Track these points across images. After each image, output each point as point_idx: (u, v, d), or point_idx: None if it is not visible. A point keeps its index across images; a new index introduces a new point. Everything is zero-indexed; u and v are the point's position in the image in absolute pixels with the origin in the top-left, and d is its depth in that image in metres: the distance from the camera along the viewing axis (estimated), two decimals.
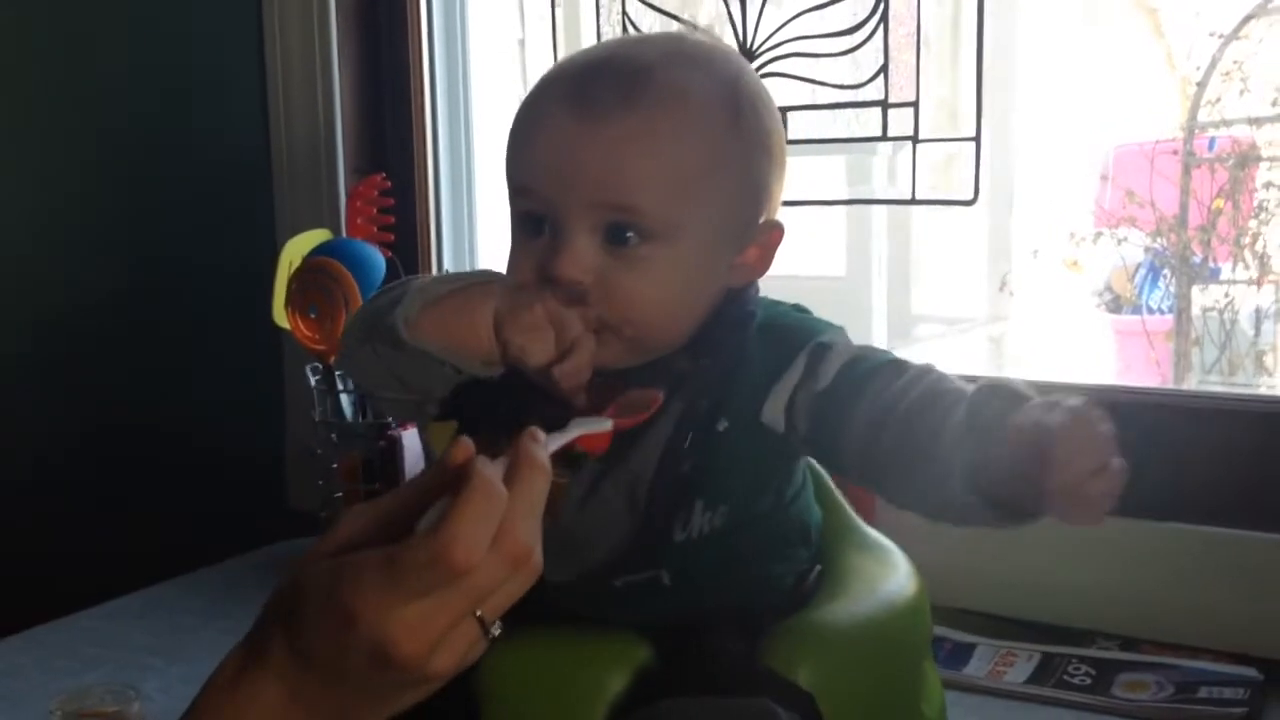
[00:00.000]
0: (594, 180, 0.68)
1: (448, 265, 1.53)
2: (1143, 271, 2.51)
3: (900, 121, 1.17)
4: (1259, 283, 2.04)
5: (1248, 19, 1.99)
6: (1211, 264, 2.16)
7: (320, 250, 1.30)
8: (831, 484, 0.85)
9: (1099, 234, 2.33)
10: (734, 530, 0.73)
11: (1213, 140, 2.16)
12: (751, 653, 0.71)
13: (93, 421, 1.73)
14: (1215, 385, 2.09)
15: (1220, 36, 2.04)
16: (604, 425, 0.64)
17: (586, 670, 0.71)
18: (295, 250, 1.32)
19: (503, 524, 0.53)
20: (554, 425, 0.72)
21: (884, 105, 1.18)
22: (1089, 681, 1.01)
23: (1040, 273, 2.62)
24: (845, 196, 1.95)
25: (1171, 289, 2.34)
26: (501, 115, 1.64)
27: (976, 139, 1.14)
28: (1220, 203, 2.09)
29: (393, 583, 0.51)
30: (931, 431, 0.64)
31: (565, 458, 0.73)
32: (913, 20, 1.15)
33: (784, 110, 1.14)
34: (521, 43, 1.84)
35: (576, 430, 0.63)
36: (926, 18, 1.17)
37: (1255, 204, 2.06)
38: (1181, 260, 2.19)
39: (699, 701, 0.68)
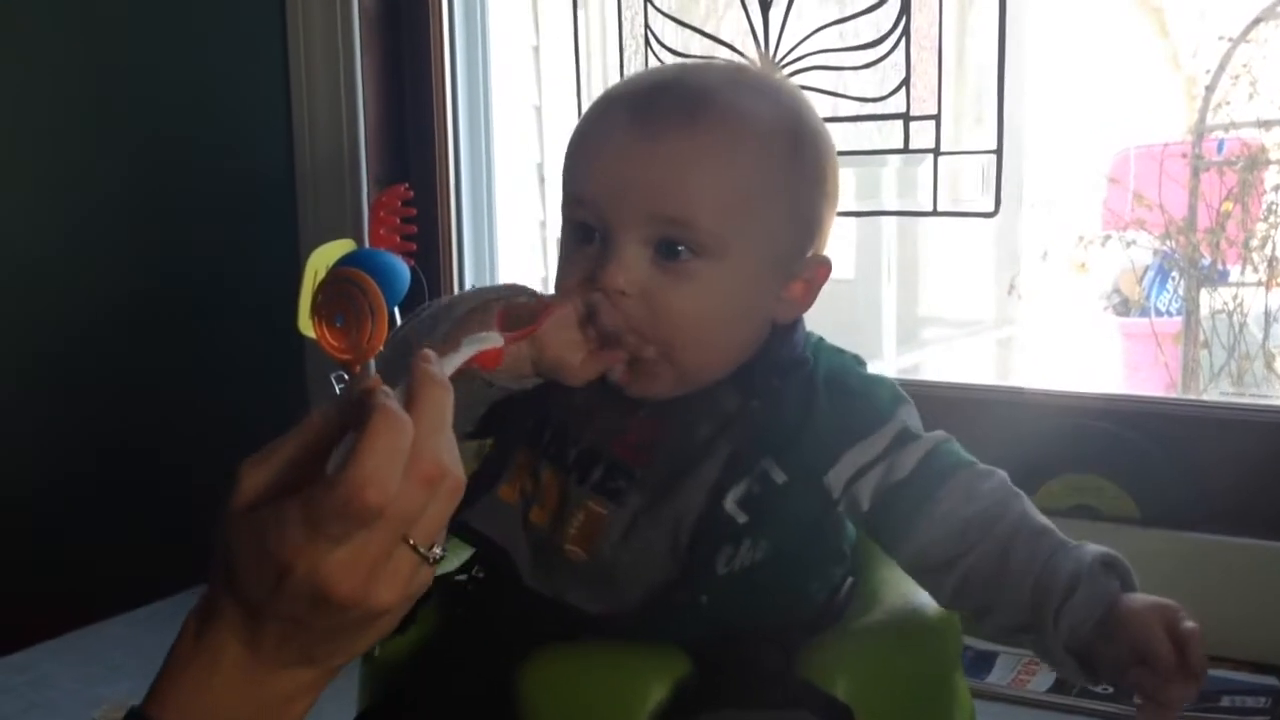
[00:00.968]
0: (649, 192, 0.70)
1: (469, 273, 1.54)
2: (1151, 274, 2.51)
3: (921, 134, 1.18)
4: (1268, 285, 2.04)
5: (1256, 22, 2.00)
6: (1220, 266, 2.17)
7: (346, 260, 1.31)
8: None
9: (1108, 237, 2.34)
10: (775, 560, 0.74)
11: (1221, 143, 2.17)
12: (789, 666, 0.72)
13: (116, 429, 1.74)
14: (1224, 388, 2.10)
15: (1229, 40, 2.05)
16: (495, 341, 0.64)
17: (627, 683, 0.72)
18: (320, 260, 1.33)
19: (412, 449, 0.52)
20: (580, 433, 0.73)
21: (905, 118, 1.19)
22: (1111, 690, 1.02)
23: (1048, 276, 2.63)
24: (853, 208, 1.96)
25: (1180, 291, 2.35)
26: (515, 120, 1.65)
27: (998, 152, 1.15)
28: (1229, 205, 2.10)
29: (314, 529, 0.51)
30: (1033, 590, 0.67)
31: (605, 489, 0.74)
32: (934, 34, 1.16)
33: None
34: (536, 49, 1.86)
35: (469, 349, 0.62)
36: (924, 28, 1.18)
37: (1264, 206, 2.06)
38: (1190, 263, 2.19)
39: (740, 714, 0.69)
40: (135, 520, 1.70)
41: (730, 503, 0.72)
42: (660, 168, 0.70)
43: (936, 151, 1.17)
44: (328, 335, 1.29)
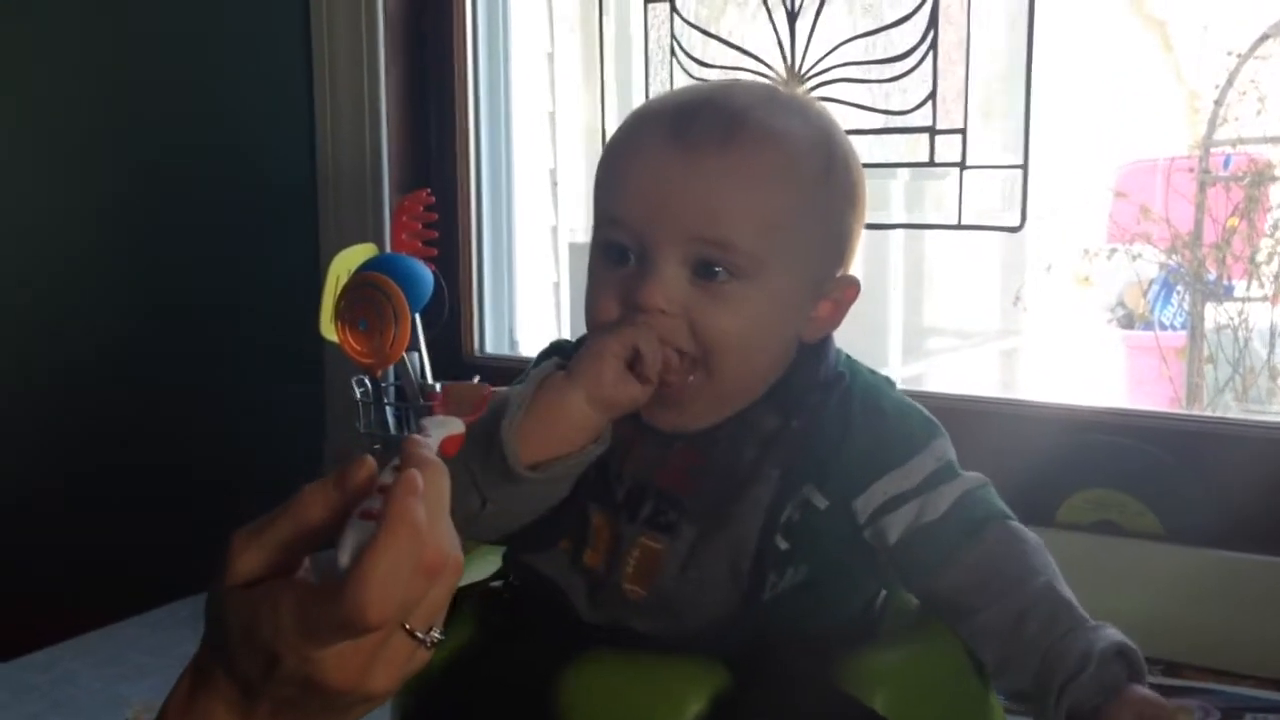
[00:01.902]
0: (688, 212, 0.70)
1: (488, 278, 1.54)
2: (1156, 287, 2.52)
3: (947, 148, 1.19)
4: (1273, 300, 2.05)
5: (1264, 38, 2.01)
6: (1226, 281, 2.18)
7: (369, 265, 1.31)
8: None
9: (1113, 250, 2.35)
10: (815, 580, 0.74)
11: (1228, 158, 2.18)
12: (828, 678, 0.72)
13: (138, 431, 1.74)
14: (1228, 403, 2.10)
15: (1237, 55, 2.06)
16: (457, 427, 0.62)
17: (665, 694, 0.72)
18: (343, 264, 1.33)
19: None
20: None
21: (931, 131, 1.19)
22: None
23: (1053, 288, 2.63)
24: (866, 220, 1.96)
25: (1184, 305, 2.36)
26: (529, 126, 1.65)
27: (1024, 167, 1.16)
28: (1235, 221, 2.11)
29: (310, 629, 0.50)
30: (1042, 662, 0.68)
31: (657, 524, 0.73)
32: (962, 48, 1.16)
33: None
34: (550, 56, 1.86)
35: (438, 434, 0.60)
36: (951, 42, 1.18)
37: (1270, 222, 2.07)
38: (1195, 277, 2.20)
39: None
40: (155, 521, 1.71)
41: (780, 526, 0.72)
42: (699, 188, 0.70)
43: (962, 165, 1.18)
44: (351, 340, 1.29)
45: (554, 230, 1.83)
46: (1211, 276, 2.17)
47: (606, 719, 0.73)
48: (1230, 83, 2.08)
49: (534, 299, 1.70)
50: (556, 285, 1.83)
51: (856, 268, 0.78)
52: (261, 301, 1.61)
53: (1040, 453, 1.18)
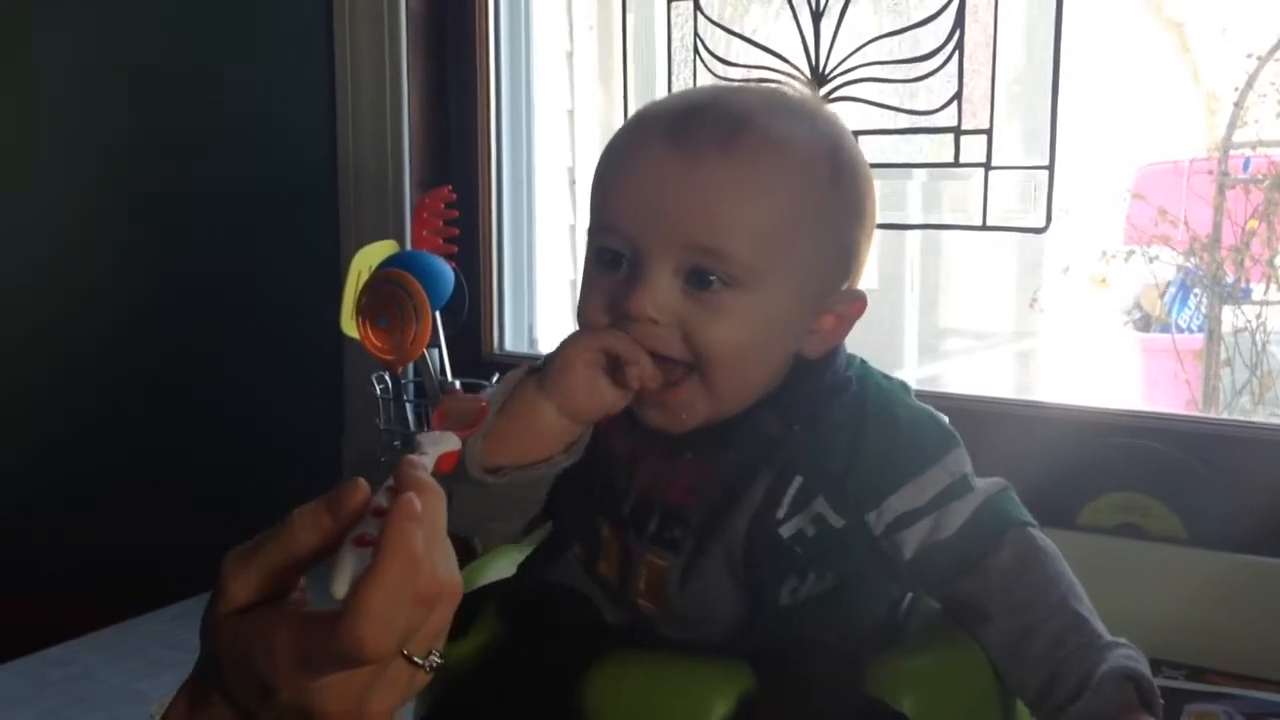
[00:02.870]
0: (682, 219, 0.67)
1: (508, 276, 1.54)
2: (1173, 290, 2.51)
3: (973, 148, 1.18)
4: None
5: None
6: (1244, 284, 2.17)
7: (390, 262, 1.31)
8: None
9: (1131, 252, 2.34)
10: (837, 587, 0.74)
11: (1248, 160, 2.17)
12: (855, 682, 0.72)
13: (156, 427, 1.75)
14: (1245, 406, 2.09)
15: (1258, 58, 2.05)
16: (453, 443, 0.61)
17: (691, 697, 0.72)
18: (364, 261, 1.33)
19: None
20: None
21: (956, 132, 1.18)
22: None
23: (1070, 290, 2.62)
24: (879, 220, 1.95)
25: (1201, 308, 2.34)
26: (548, 124, 1.65)
27: (1050, 168, 1.15)
28: (1254, 223, 2.10)
29: (306, 661, 0.49)
30: (1046, 680, 0.67)
31: (663, 540, 0.73)
32: (989, 48, 1.16)
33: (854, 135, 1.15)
34: (569, 54, 1.86)
35: (435, 451, 0.59)
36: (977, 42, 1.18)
37: None
38: (1213, 280, 2.19)
39: None
40: (174, 516, 1.71)
41: (788, 536, 0.71)
42: (695, 194, 0.67)
43: (988, 166, 1.17)
44: (371, 336, 1.30)
45: (572, 229, 1.83)
46: (1229, 279, 2.16)
47: (633, 719, 0.73)
48: (1250, 85, 2.07)
49: (553, 297, 1.70)
50: (574, 283, 1.83)
51: (871, 267, 0.77)
52: (282, 297, 1.61)
53: (1062, 455, 1.18)
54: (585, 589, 0.75)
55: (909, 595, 0.81)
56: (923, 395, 0.76)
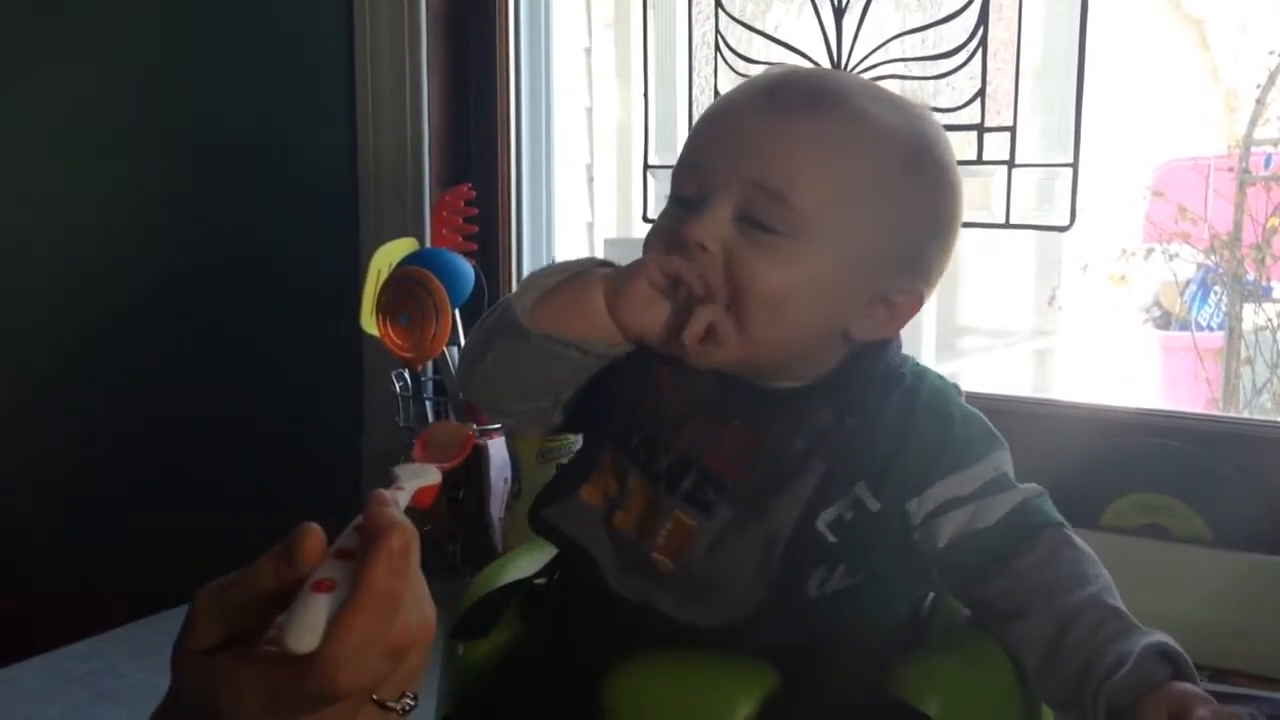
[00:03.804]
0: (752, 158, 0.70)
1: (527, 272, 1.54)
2: (1193, 287, 2.49)
3: (996, 145, 1.18)
4: None
5: None
6: (1264, 282, 2.16)
7: (410, 259, 1.31)
8: None
9: (1150, 249, 2.32)
10: (867, 582, 0.73)
11: (1269, 158, 2.16)
12: (879, 682, 0.72)
13: (175, 424, 1.75)
14: (1265, 405, 2.08)
15: (1279, 55, 2.03)
16: (433, 477, 0.60)
17: (715, 695, 0.72)
18: (384, 259, 1.34)
19: None
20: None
21: (980, 129, 1.18)
22: None
23: (1089, 288, 2.61)
24: None
25: (1222, 306, 2.33)
26: (566, 121, 1.65)
27: (1074, 164, 1.15)
28: (1275, 221, 2.09)
29: (273, 703, 0.48)
30: (1082, 668, 0.66)
31: (695, 500, 0.73)
32: (1013, 45, 1.15)
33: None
34: (588, 51, 1.86)
35: (411, 485, 0.58)
36: (1001, 39, 1.17)
37: None
38: (1234, 278, 2.18)
39: None
40: (194, 513, 1.72)
41: (822, 524, 0.71)
42: (770, 137, 0.70)
43: (1011, 164, 1.17)
44: (392, 333, 1.30)
45: (590, 226, 1.83)
46: (1250, 277, 2.15)
47: (656, 718, 0.72)
48: (1272, 81, 2.06)
49: None
50: None
51: None
52: (302, 295, 1.62)
53: (1085, 455, 1.17)
54: (595, 543, 0.75)
55: (930, 595, 0.80)
56: None
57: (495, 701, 0.76)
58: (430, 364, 1.34)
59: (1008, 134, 1.17)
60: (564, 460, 1.18)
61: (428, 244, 1.42)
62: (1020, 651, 0.71)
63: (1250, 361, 2.10)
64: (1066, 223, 1.16)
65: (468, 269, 1.32)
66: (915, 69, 1.20)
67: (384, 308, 1.29)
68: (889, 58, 1.21)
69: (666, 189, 1.35)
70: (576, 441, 0.94)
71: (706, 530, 0.72)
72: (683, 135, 1.36)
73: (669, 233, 0.72)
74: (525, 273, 1.54)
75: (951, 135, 1.20)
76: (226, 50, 1.65)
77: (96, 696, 1.07)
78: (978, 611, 0.74)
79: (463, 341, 1.35)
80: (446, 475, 1.39)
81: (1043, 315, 2.94)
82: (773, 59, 1.28)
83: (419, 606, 0.51)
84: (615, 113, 1.87)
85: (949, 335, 3.02)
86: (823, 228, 0.69)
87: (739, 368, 0.73)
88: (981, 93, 1.17)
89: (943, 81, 1.19)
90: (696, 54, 1.32)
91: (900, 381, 0.74)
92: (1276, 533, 1.08)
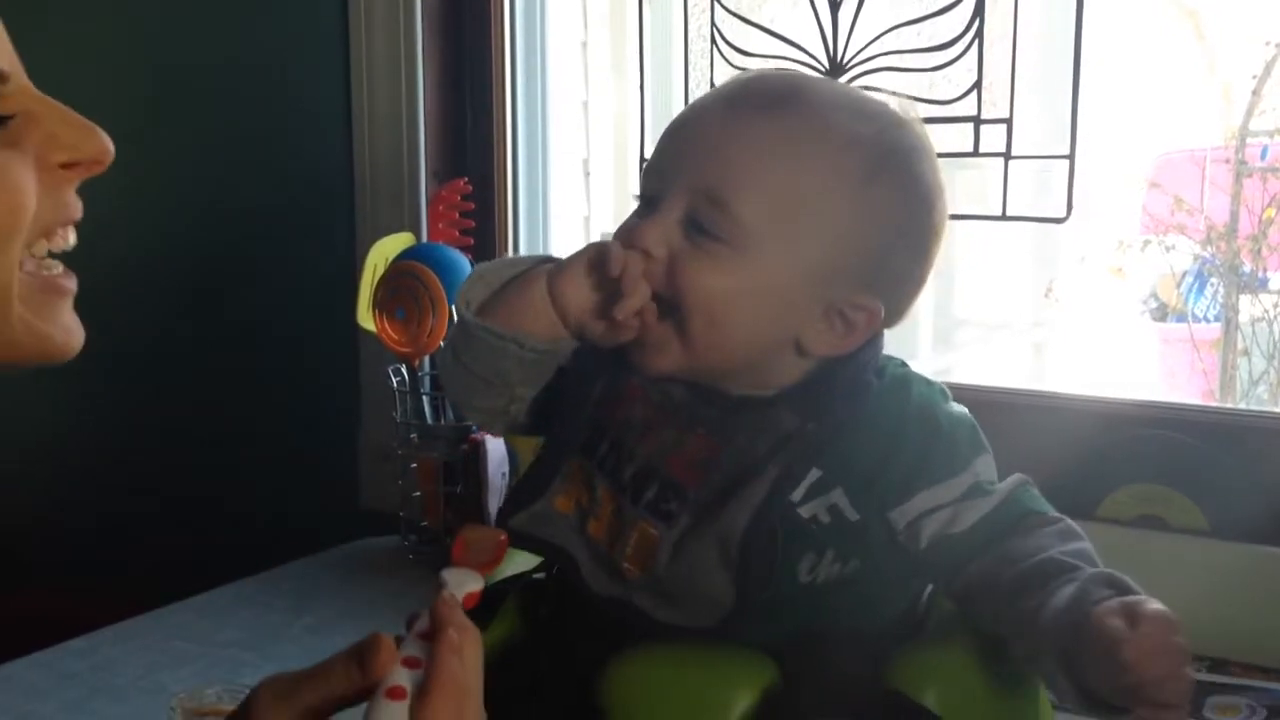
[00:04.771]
0: (703, 165, 0.69)
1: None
2: (1189, 279, 2.49)
3: (992, 138, 1.18)
4: None
5: None
6: (1261, 273, 2.16)
7: (407, 254, 1.31)
8: None
9: (1147, 241, 2.32)
10: (856, 578, 0.74)
11: (1265, 149, 2.16)
12: (878, 675, 0.72)
13: (173, 420, 1.75)
14: (1262, 396, 2.08)
15: (1276, 45, 2.03)
16: (477, 583, 0.63)
17: (715, 689, 0.72)
18: (380, 254, 1.34)
19: None
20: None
21: (976, 121, 1.18)
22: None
23: (1086, 279, 2.61)
24: None
25: (1218, 297, 2.33)
26: (562, 116, 1.64)
27: (1071, 156, 1.15)
28: (1271, 212, 2.09)
29: None
30: (1030, 614, 0.66)
31: (658, 510, 0.73)
32: (1009, 37, 1.15)
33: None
34: (584, 45, 1.85)
35: (460, 591, 0.62)
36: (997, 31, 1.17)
37: None
38: (1230, 269, 2.18)
39: None
40: (191, 508, 1.72)
41: (807, 516, 0.71)
42: (721, 144, 0.69)
43: (1007, 155, 1.17)
44: (388, 329, 1.30)
45: (586, 220, 1.82)
46: (1247, 268, 2.15)
47: (654, 713, 0.72)
48: (1268, 72, 2.06)
49: None
50: None
51: None
52: (299, 290, 1.61)
53: (1081, 447, 1.17)
54: (572, 548, 0.75)
55: (929, 588, 0.80)
56: None
57: (494, 694, 0.76)
58: (427, 359, 1.34)
59: (1004, 126, 1.17)
60: None
61: (424, 239, 1.42)
62: (981, 618, 0.71)
63: (1247, 353, 2.10)
64: (1063, 214, 1.16)
65: (464, 264, 1.32)
66: (911, 61, 1.20)
67: (380, 303, 1.29)
68: (885, 50, 1.21)
69: None
70: None
71: (666, 539, 0.72)
72: None
73: (626, 233, 0.72)
74: None
75: (948, 128, 1.20)
76: (221, 45, 1.65)
77: (93, 692, 1.07)
78: (958, 604, 0.74)
79: None
80: (446, 472, 1.39)
81: (1040, 308, 2.94)
82: (769, 52, 1.27)
83: (480, 707, 0.55)
84: (611, 107, 1.86)
85: (945, 327, 3.02)
86: (765, 237, 0.69)
87: (689, 374, 0.73)
88: (978, 85, 1.17)
89: (939, 74, 1.19)
90: (693, 48, 1.32)
91: (866, 389, 0.72)
92: (1274, 523, 1.09)
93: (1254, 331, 2.13)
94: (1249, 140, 2.13)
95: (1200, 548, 1.09)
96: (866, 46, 1.22)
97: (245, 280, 1.66)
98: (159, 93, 1.72)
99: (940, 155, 0.75)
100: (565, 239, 1.63)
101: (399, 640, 0.57)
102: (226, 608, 1.28)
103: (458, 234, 1.39)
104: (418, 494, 1.36)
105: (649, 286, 0.70)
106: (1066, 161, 1.16)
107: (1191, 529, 1.12)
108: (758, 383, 0.73)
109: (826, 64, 1.23)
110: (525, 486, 0.77)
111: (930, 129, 0.73)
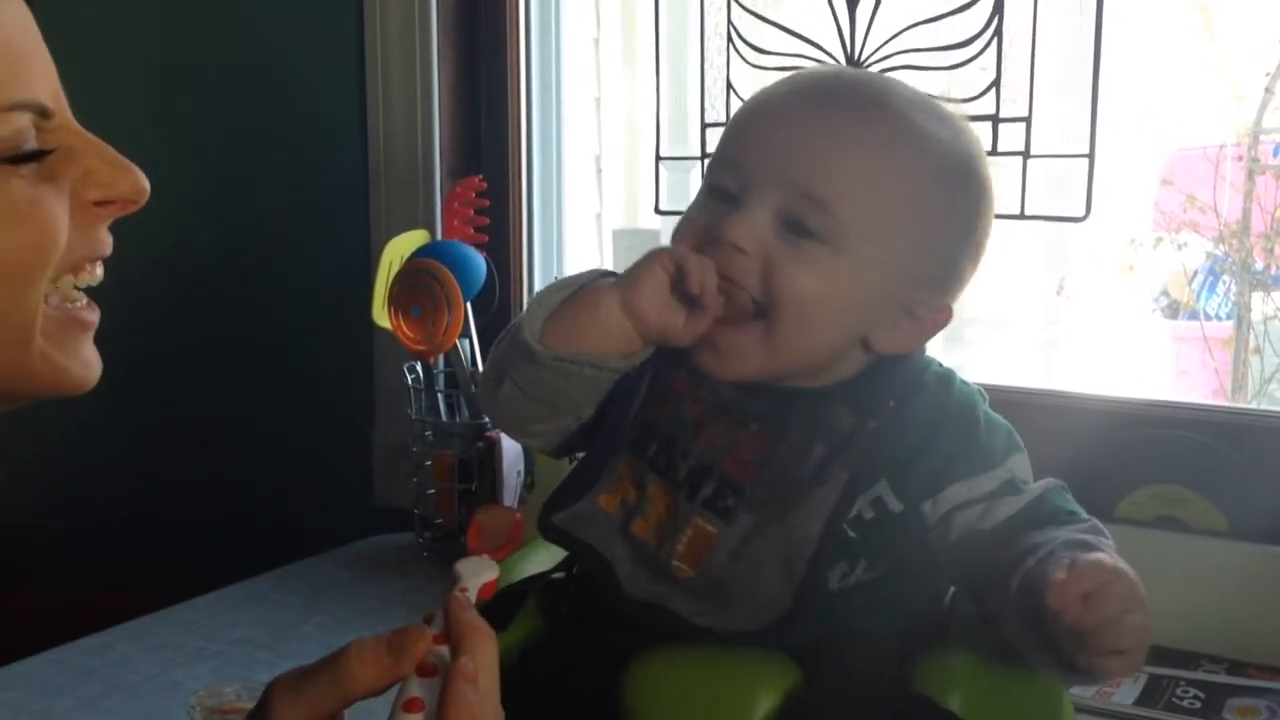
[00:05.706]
0: (799, 162, 0.69)
1: (538, 265, 1.54)
2: (1201, 276, 2.48)
3: (1011, 136, 1.17)
4: None
5: None
6: (1274, 271, 2.15)
7: (422, 252, 1.31)
8: None
9: (1159, 239, 2.31)
10: (888, 576, 0.74)
11: (1278, 146, 2.14)
12: (902, 677, 0.72)
13: (186, 417, 1.75)
14: (1274, 394, 2.07)
15: None
16: (491, 571, 0.62)
17: (738, 690, 0.71)
18: (395, 251, 1.33)
19: None
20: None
21: (995, 120, 1.17)
22: (1199, 705, 1.01)
23: (1097, 277, 2.60)
24: None
25: (1230, 295, 2.32)
26: (575, 113, 1.64)
27: (1090, 155, 1.14)
28: None
29: None
30: (1003, 570, 0.66)
31: (715, 507, 0.72)
32: (1028, 35, 1.15)
33: None
34: (596, 42, 1.85)
35: (475, 583, 0.61)
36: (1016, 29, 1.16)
37: None
38: (1243, 267, 2.17)
39: None
40: (205, 505, 1.72)
41: (845, 522, 0.71)
42: (819, 142, 0.69)
43: (1026, 154, 1.16)
44: (404, 326, 1.30)
45: (598, 217, 1.82)
46: (1259, 266, 2.14)
47: (677, 714, 0.72)
48: None
49: None
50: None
51: None
52: (314, 288, 1.61)
53: (1098, 447, 1.17)
54: (609, 548, 0.74)
55: (951, 590, 0.80)
56: None
57: (515, 695, 0.76)
58: (442, 356, 1.33)
59: (1023, 124, 1.16)
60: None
61: (439, 236, 1.42)
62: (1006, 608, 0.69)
63: (1259, 350, 2.09)
64: (1082, 214, 1.16)
65: (479, 261, 1.32)
66: (929, 59, 1.20)
67: (395, 300, 1.29)
68: (903, 48, 1.21)
69: (678, 181, 1.35)
70: None
71: (727, 537, 0.72)
72: (694, 127, 1.36)
73: (701, 228, 0.71)
74: (536, 264, 1.54)
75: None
76: (236, 43, 1.65)
77: (109, 689, 1.07)
78: (972, 602, 0.74)
79: (474, 334, 1.35)
80: (461, 469, 1.38)
81: (1050, 305, 2.93)
82: (786, 50, 1.27)
83: (498, 707, 0.55)
84: (623, 104, 1.86)
85: (957, 325, 3.00)
86: (863, 240, 0.69)
87: (760, 378, 0.73)
88: (996, 83, 1.17)
89: (956, 72, 1.18)
90: (708, 45, 1.31)
91: (921, 389, 0.73)
92: None
93: (1266, 329, 2.11)
94: (1262, 137, 2.12)
95: (1219, 548, 1.08)
96: (884, 44, 1.22)
97: (261, 278, 1.66)
98: (173, 92, 1.72)
99: None
100: (578, 235, 1.63)
101: None
102: (240, 605, 1.28)
103: (472, 231, 1.38)
104: (432, 491, 1.36)
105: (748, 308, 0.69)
106: (1085, 160, 1.15)
107: (1210, 530, 1.12)
108: (815, 377, 0.74)
109: (844, 62, 1.23)
110: (570, 486, 0.76)
111: None
